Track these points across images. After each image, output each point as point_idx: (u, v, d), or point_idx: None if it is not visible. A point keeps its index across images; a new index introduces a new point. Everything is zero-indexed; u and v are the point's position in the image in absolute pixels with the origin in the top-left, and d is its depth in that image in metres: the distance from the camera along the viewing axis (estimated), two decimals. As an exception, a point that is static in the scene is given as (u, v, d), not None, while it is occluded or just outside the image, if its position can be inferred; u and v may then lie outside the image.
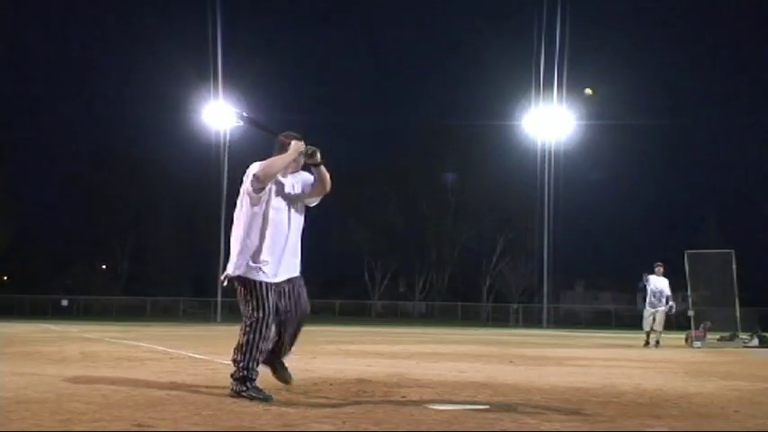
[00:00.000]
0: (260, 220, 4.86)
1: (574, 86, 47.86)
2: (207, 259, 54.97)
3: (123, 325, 26.38)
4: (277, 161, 4.91)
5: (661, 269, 15.68)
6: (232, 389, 4.78)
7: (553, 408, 4.67)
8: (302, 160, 5.05)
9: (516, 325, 45.13)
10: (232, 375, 4.81)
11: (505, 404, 4.75)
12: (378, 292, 59.39)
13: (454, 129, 59.55)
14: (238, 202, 4.97)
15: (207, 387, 5.43)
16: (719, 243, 31.00)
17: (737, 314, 16.81)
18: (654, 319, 15.28)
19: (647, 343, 15.13)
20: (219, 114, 45.57)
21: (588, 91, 5.73)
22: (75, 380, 5.79)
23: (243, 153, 47.86)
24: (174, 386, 5.44)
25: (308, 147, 4.99)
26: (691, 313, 15.89)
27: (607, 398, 5.32)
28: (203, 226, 54.77)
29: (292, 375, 5.19)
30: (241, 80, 46.43)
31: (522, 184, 52.74)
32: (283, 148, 4.98)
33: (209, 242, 52.23)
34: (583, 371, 7.94)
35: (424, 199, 58.75)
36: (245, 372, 4.75)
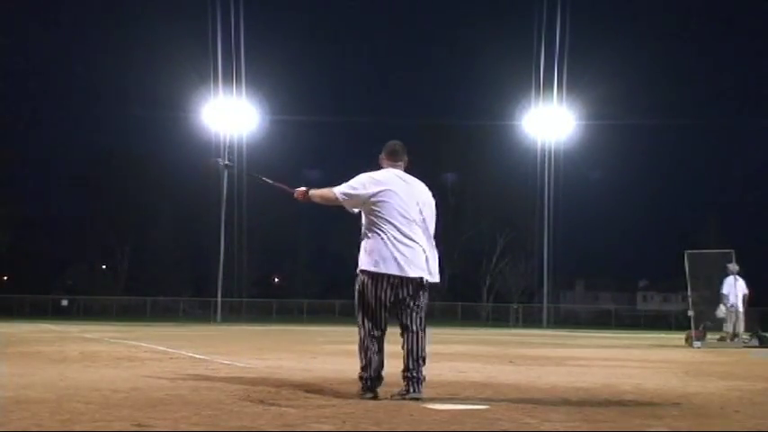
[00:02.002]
0: None
1: (574, 86, 47.97)
2: (207, 259, 55.04)
3: (123, 325, 26.39)
4: None
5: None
6: (421, 395, 4.82)
7: (553, 408, 4.66)
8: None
9: (516, 325, 45.12)
10: (422, 381, 4.87)
11: (505, 404, 4.75)
12: (378, 292, 59.39)
13: (454, 129, 59.57)
14: (433, 220, 5.24)
15: (207, 387, 5.43)
16: (719, 243, 30.98)
17: (737, 314, 16.74)
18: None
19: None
20: (220, 115, 45.60)
21: None
22: (75, 380, 5.79)
23: (243, 153, 47.98)
24: (174, 386, 5.44)
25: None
26: (691, 313, 15.86)
27: (607, 398, 5.32)
28: (203, 226, 54.78)
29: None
30: (242, 81, 46.35)
31: (522, 184, 52.80)
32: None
33: (209, 242, 52.27)
34: (583, 371, 7.94)
35: (423, 199, 58.63)
36: None
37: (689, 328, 15.94)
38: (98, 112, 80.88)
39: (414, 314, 4.93)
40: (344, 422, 3.86)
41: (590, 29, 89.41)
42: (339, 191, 5.10)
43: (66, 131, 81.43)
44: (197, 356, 9.16)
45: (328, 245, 58.04)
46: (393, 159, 5.22)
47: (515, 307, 51.47)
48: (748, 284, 16.10)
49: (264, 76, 58.34)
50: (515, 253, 58.51)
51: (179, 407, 4.31)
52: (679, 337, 18.46)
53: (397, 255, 4.86)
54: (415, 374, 4.83)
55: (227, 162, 4.96)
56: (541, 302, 50.19)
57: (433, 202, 5.22)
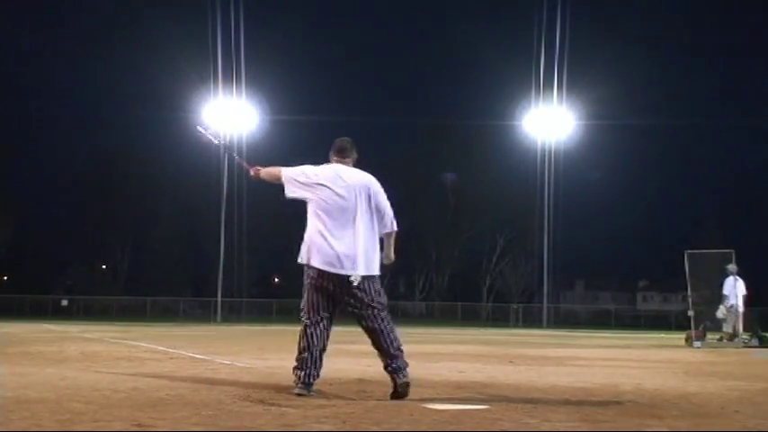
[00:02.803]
0: None
1: (574, 86, 47.97)
2: (207, 259, 55.05)
3: (123, 325, 26.38)
4: None
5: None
6: (408, 378, 4.95)
7: (553, 408, 4.66)
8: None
9: (516, 325, 45.11)
10: (406, 366, 5.01)
11: (505, 404, 4.75)
12: (377, 292, 59.33)
13: (454, 129, 59.56)
14: (371, 211, 5.14)
15: (207, 387, 5.43)
16: (719, 243, 30.97)
17: (738, 314, 16.72)
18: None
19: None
20: (220, 115, 45.59)
21: None
22: (76, 380, 5.79)
23: (243, 153, 47.93)
24: (174, 386, 5.44)
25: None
26: (691, 313, 15.86)
27: (607, 398, 5.32)
28: (203, 226, 54.76)
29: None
30: (242, 81, 46.33)
31: (522, 183, 52.77)
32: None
33: (210, 242, 52.27)
34: (583, 371, 7.94)
35: (423, 199, 58.73)
36: None
37: (689, 328, 15.95)
38: (98, 113, 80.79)
39: (373, 312, 5.04)
40: (344, 422, 3.86)
41: (590, 29, 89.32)
42: (285, 172, 5.23)
43: (66, 131, 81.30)
44: (197, 356, 9.16)
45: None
46: (341, 156, 5.29)
47: (515, 307, 51.45)
48: (748, 284, 16.10)
49: (264, 76, 58.24)
50: (515, 253, 58.51)
51: (179, 407, 4.31)
52: (679, 337, 18.46)
53: (331, 252, 4.92)
54: (396, 364, 4.95)
55: (216, 140, 5.44)
56: (541, 302, 50.18)
57: (377, 189, 5.16)
